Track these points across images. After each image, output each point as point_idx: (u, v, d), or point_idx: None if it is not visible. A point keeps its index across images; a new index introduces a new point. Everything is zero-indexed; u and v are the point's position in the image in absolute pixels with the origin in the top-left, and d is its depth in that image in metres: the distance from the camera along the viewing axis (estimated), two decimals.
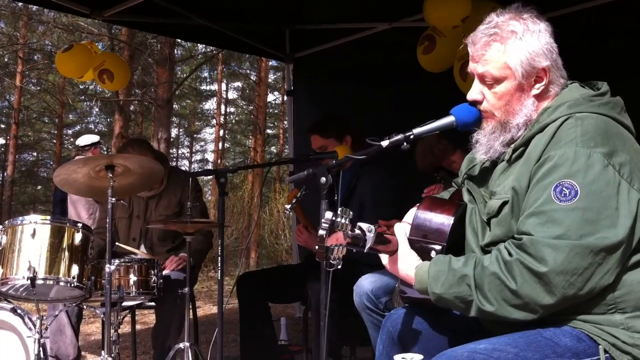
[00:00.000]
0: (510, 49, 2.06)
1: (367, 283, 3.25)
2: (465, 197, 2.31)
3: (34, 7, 17.83)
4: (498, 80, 2.09)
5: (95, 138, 8.39)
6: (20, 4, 17.41)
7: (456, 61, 4.60)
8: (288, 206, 3.90)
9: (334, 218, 1.88)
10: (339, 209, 1.89)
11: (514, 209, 2.00)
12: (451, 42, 4.62)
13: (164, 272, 4.08)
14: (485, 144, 2.15)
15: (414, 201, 2.60)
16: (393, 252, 2.09)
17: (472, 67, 2.16)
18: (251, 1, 5.99)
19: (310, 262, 4.25)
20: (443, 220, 2.23)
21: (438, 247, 2.14)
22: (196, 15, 5.95)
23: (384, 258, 2.13)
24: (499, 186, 2.09)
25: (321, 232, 1.89)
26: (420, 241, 2.19)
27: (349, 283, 3.39)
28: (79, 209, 7.44)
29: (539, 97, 2.10)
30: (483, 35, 2.11)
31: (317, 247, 1.90)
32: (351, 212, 1.91)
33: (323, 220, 1.89)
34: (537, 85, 2.09)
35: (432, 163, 4.23)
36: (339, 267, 1.93)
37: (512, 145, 2.10)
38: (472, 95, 2.17)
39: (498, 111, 2.12)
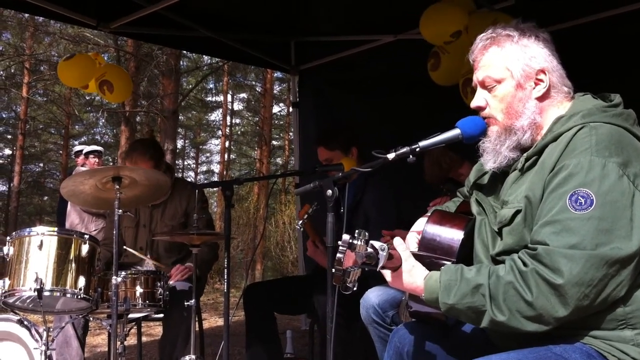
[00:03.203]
0: (507, 51, 2.11)
1: (374, 296, 3.23)
2: (474, 208, 2.30)
3: (40, 19, 17.90)
4: (498, 82, 2.12)
5: (90, 147, 8.41)
6: (26, 15, 17.47)
7: (460, 78, 4.64)
8: (300, 222, 3.93)
9: (351, 240, 1.87)
10: (356, 231, 1.89)
11: (526, 218, 1.99)
12: (455, 57, 4.69)
13: (170, 283, 4.09)
14: (492, 151, 2.16)
15: (419, 211, 2.60)
16: (397, 268, 2.06)
17: (474, 77, 2.21)
18: (256, 13, 6.01)
19: (316, 275, 4.24)
20: (453, 236, 2.22)
21: (448, 263, 2.13)
22: (202, 27, 5.98)
23: (387, 274, 2.09)
24: (511, 195, 2.09)
25: (339, 255, 1.89)
26: (431, 257, 2.18)
27: (356, 296, 3.37)
28: (73, 216, 7.49)
29: (542, 100, 2.11)
30: (480, 41, 2.18)
31: (334, 270, 1.91)
32: (366, 234, 1.90)
33: (340, 243, 1.88)
34: (538, 88, 2.11)
35: (440, 176, 4.22)
36: (355, 289, 1.93)
37: (525, 155, 2.09)
38: (475, 102, 2.20)
39: (500, 114, 2.14)
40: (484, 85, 2.17)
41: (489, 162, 2.17)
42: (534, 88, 2.11)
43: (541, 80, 2.10)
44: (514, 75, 2.10)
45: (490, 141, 2.16)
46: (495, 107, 2.14)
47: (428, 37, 4.70)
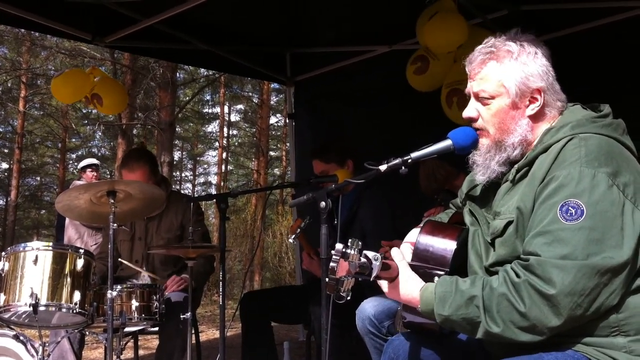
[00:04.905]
0: (506, 68, 2.11)
1: (369, 307, 3.23)
2: (467, 219, 2.31)
3: (37, 33, 17.90)
4: (492, 97, 2.13)
5: (88, 161, 8.39)
6: (23, 30, 17.49)
7: (444, 87, 4.62)
8: (292, 237, 3.92)
9: (344, 250, 1.87)
10: (349, 240, 1.89)
11: (518, 229, 2.00)
12: (444, 65, 4.65)
13: (165, 294, 4.08)
14: (482, 164, 2.17)
15: (413, 221, 2.60)
16: (394, 279, 2.07)
17: (468, 86, 2.21)
18: (252, 25, 6.03)
19: (312, 285, 4.24)
20: (445, 246, 2.23)
21: (441, 273, 2.14)
22: (197, 40, 5.99)
23: (384, 284, 2.11)
24: (503, 206, 2.10)
25: (332, 264, 1.89)
26: (424, 267, 2.18)
27: (351, 306, 3.37)
28: (71, 231, 7.46)
29: (534, 119, 2.12)
30: (480, 54, 2.17)
31: (327, 280, 1.91)
32: (360, 243, 1.90)
33: (333, 253, 1.88)
34: (532, 106, 2.11)
35: (435, 187, 4.22)
36: (348, 298, 1.93)
37: (516, 166, 2.11)
38: (467, 112, 2.20)
39: (492, 128, 2.14)
40: (477, 97, 2.18)
41: (479, 174, 2.18)
42: (527, 106, 2.11)
43: (536, 99, 2.11)
44: (510, 93, 2.10)
45: (481, 154, 2.17)
46: (488, 120, 2.15)
47: (434, 46, 4.59)
